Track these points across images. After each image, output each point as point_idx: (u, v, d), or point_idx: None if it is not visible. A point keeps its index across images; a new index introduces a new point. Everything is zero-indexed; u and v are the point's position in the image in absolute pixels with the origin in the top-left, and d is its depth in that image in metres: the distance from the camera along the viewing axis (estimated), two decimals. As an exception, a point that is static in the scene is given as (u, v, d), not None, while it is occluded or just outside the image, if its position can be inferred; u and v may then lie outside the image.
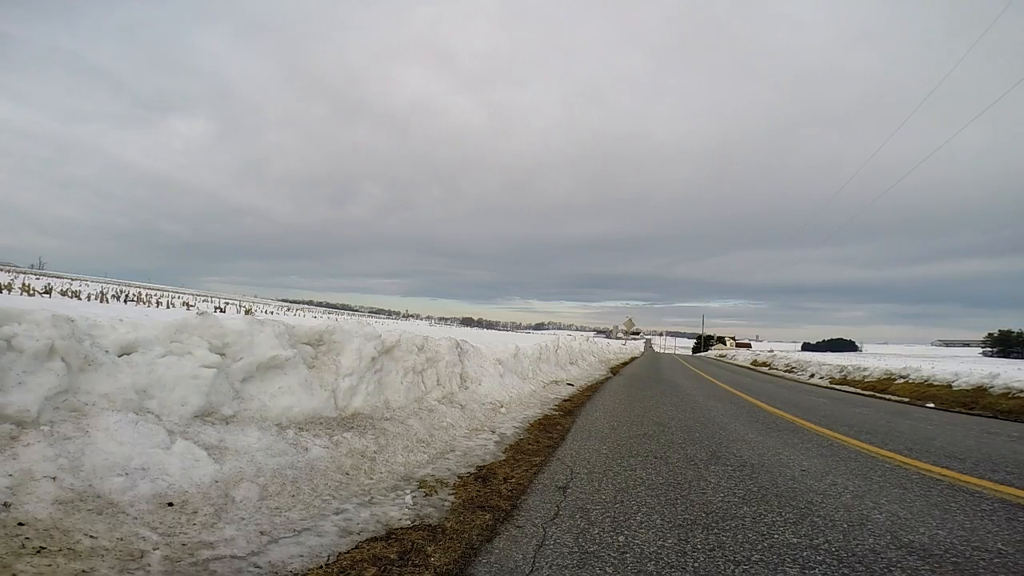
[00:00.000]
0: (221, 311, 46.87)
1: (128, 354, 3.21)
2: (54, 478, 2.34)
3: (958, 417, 9.02)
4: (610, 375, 16.56)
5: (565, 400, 8.73)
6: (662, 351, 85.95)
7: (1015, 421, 8.55)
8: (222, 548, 2.31)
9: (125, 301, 47.57)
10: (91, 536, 2.15)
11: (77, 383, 2.82)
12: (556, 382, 11.16)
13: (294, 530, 2.59)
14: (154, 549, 2.19)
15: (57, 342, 2.73)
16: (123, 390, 2.95)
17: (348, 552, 2.41)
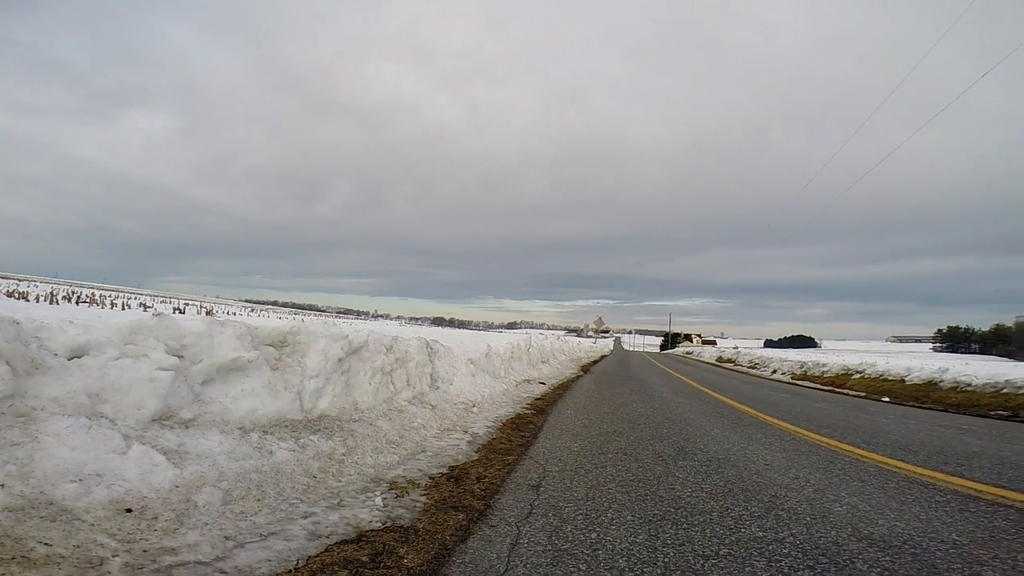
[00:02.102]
0: (180, 312, 45.35)
1: (79, 357, 3.06)
2: (2, 485, 2.23)
3: (911, 411, 9.41)
4: (581, 373, 16.70)
5: (537, 399, 8.76)
6: (631, 349, 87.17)
7: (963, 414, 8.97)
8: (185, 554, 2.24)
9: (77, 302, 45.52)
10: (46, 544, 2.06)
11: (24, 387, 2.67)
12: (528, 381, 11.18)
13: (261, 534, 2.52)
14: (113, 556, 2.10)
15: (1, 345, 2.58)
16: (74, 394, 2.81)
17: (318, 555, 2.36)
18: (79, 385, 2.87)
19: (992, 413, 8.78)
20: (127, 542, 2.23)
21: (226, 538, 2.44)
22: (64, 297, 48.61)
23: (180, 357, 3.51)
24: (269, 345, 4.43)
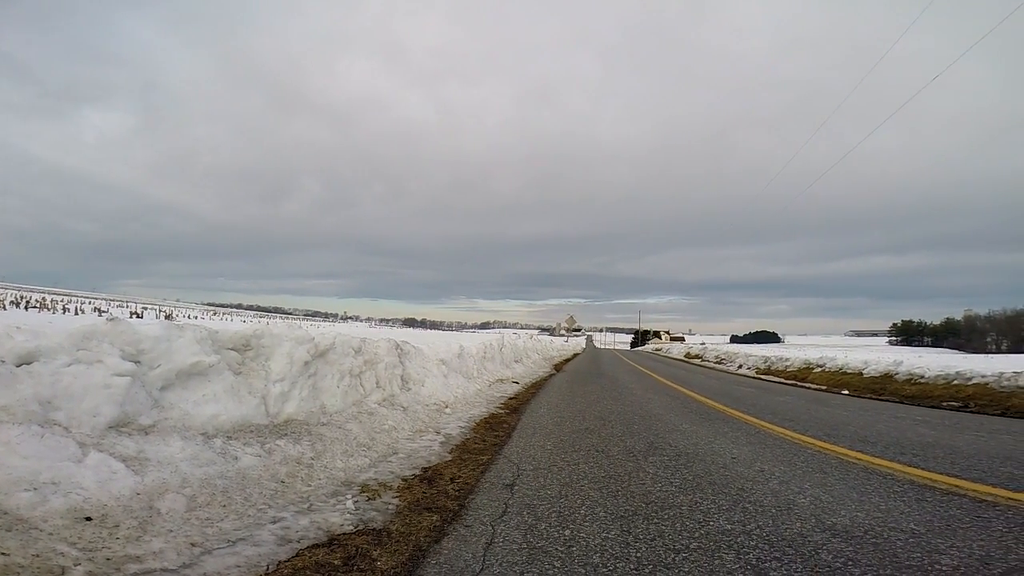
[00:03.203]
0: (137, 317, 43.76)
1: (28, 364, 2.91)
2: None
3: (869, 403, 9.73)
4: (554, 372, 16.79)
5: (511, 398, 8.77)
6: (602, 347, 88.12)
7: (918, 405, 9.32)
8: (151, 561, 2.18)
9: (26, 307, 43.37)
10: (3, 553, 1.99)
11: (-32, 396, 2.53)
12: (502, 380, 11.18)
13: (228, 540, 2.46)
14: (75, 565, 2.04)
15: (-58, 351, 2.44)
16: (24, 402, 2.68)
17: (289, 560, 2.31)
18: (29, 392, 2.74)
19: (944, 404, 9.13)
20: (89, 551, 2.16)
21: (192, 545, 2.37)
22: (12, 302, 46.24)
23: (137, 362, 3.39)
24: (231, 349, 4.32)
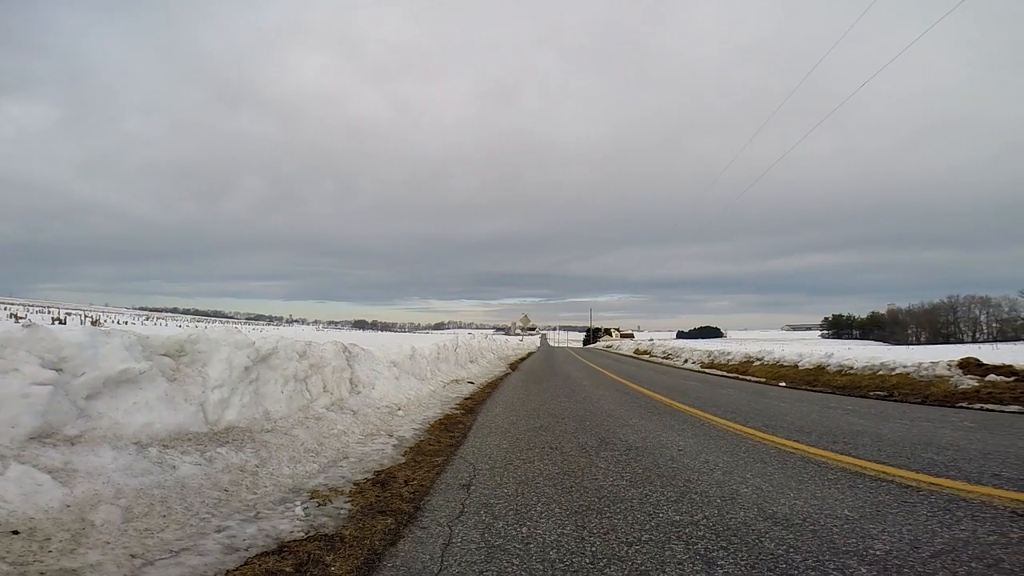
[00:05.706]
0: (60, 322, 40.70)
1: (-64, 373, 2.67)
2: None
3: (804, 394, 10.24)
4: (509, 371, 16.81)
5: (466, 398, 8.72)
6: (556, 345, 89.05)
7: (848, 395, 9.88)
8: (88, 574, 2.06)
9: (-71, 312, 39.45)
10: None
11: None
12: (457, 381, 11.10)
13: (171, 551, 2.34)
14: None
15: None
16: (-70, 414, 2.44)
17: (237, 569, 2.22)
18: (-64, 404, 2.50)
19: (871, 393, 9.71)
20: (20, 565, 2.04)
21: (132, 556, 2.25)
22: (-89, 307, 42.02)
23: (59, 371, 3.18)
24: (164, 355, 4.11)
